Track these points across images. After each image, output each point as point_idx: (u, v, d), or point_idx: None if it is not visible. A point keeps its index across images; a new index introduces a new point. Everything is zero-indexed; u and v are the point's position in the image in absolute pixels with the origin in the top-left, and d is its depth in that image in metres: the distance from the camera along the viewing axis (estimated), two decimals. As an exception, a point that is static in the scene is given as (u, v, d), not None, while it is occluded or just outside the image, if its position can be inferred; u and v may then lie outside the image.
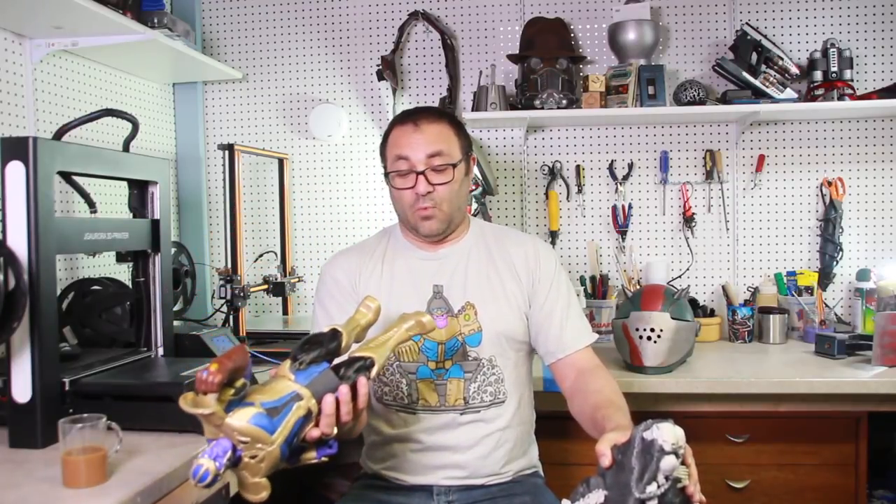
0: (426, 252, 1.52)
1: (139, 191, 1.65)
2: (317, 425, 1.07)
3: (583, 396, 1.38)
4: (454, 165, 1.44)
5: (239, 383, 1.02)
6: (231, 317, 2.15)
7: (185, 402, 0.98)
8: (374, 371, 1.15)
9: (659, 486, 0.95)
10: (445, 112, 1.52)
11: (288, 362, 1.10)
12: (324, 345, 1.12)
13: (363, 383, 1.12)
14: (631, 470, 0.97)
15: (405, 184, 1.44)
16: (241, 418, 0.99)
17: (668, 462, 0.94)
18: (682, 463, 0.99)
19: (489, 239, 1.55)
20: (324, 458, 1.10)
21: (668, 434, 0.94)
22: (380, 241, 1.58)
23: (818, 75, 2.30)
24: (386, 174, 1.48)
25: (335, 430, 1.09)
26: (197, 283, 2.20)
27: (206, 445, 1.00)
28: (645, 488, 0.95)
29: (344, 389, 1.09)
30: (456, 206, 1.47)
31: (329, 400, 1.07)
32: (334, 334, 1.15)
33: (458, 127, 1.50)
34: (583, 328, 1.50)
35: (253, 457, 1.00)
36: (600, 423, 1.21)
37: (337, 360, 1.15)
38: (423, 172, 1.41)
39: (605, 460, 1.01)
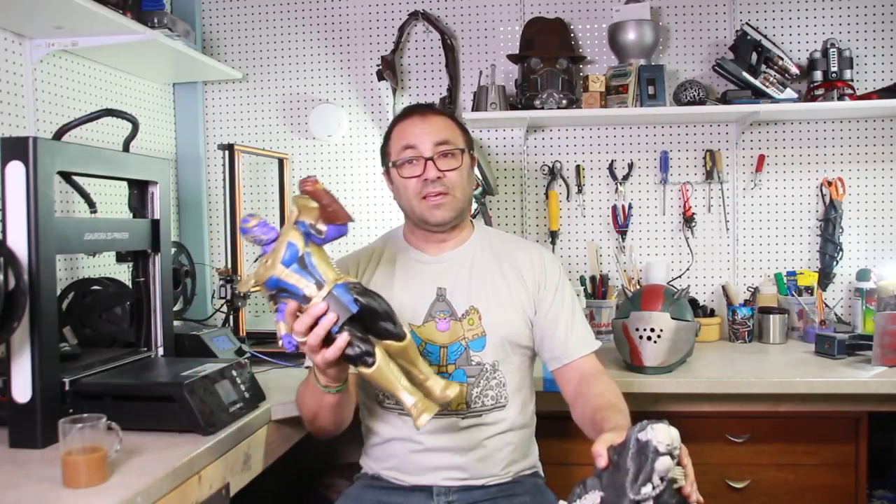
0: (428, 255, 1.52)
1: (139, 191, 1.65)
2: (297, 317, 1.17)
3: (584, 400, 1.38)
4: (462, 150, 1.47)
5: (319, 227, 1.17)
6: (231, 317, 2.15)
7: (294, 203, 1.18)
8: (362, 369, 1.17)
9: (654, 488, 0.95)
10: (446, 111, 1.53)
11: (353, 278, 1.24)
12: (379, 311, 1.18)
13: (344, 337, 1.15)
14: (626, 471, 0.97)
15: (412, 171, 1.45)
16: (291, 236, 1.16)
17: (663, 463, 0.94)
18: (678, 464, 0.99)
19: (495, 243, 1.55)
20: (280, 343, 1.21)
21: (662, 435, 0.94)
22: (381, 245, 1.58)
23: (818, 75, 2.30)
24: (390, 165, 1.49)
25: (301, 335, 1.16)
26: (197, 283, 2.20)
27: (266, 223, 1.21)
28: (640, 489, 0.95)
29: (331, 316, 1.14)
30: (467, 196, 1.50)
31: (320, 306, 1.15)
32: (396, 328, 1.20)
33: (460, 124, 1.53)
34: (587, 335, 1.50)
35: (265, 262, 1.17)
36: (599, 425, 1.21)
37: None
38: (431, 158, 1.43)
39: (602, 461, 1.01)
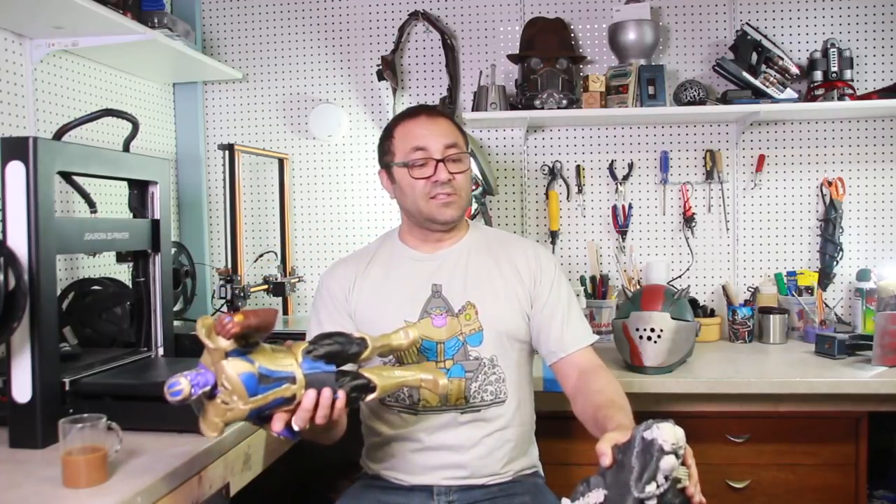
0: (423, 253, 1.53)
1: (139, 191, 1.65)
2: (292, 412, 1.11)
3: (585, 397, 1.38)
4: (466, 154, 1.50)
5: (252, 339, 1.08)
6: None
7: (201, 327, 1.06)
8: (370, 397, 1.17)
9: (658, 486, 0.95)
10: (446, 112, 1.55)
11: (304, 344, 1.14)
12: (344, 347, 1.16)
13: (342, 398, 1.13)
14: (631, 469, 0.97)
15: (423, 173, 1.46)
16: (235, 369, 1.05)
17: (668, 462, 0.94)
18: (683, 464, 0.99)
19: (490, 240, 1.56)
20: (280, 437, 1.14)
21: (668, 434, 0.95)
22: (376, 246, 1.60)
23: (818, 75, 2.29)
24: (396, 164, 1.48)
25: (305, 426, 1.12)
26: (197, 283, 2.20)
27: (193, 369, 1.07)
28: (644, 488, 0.95)
29: (327, 393, 1.11)
30: (470, 196, 1.54)
31: (310, 395, 1.11)
32: (361, 342, 1.18)
33: (459, 125, 1.55)
34: (584, 329, 1.51)
35: (224, 402, 1.06)
36: (602, 423, 1.22)
37: (348, 367, 1.17)
38: (442, 161, 1.45)
39: (606, 460, 1.01)
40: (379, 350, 1.23)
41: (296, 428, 1.13)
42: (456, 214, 1.48)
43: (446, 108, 2.44)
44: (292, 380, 1.09)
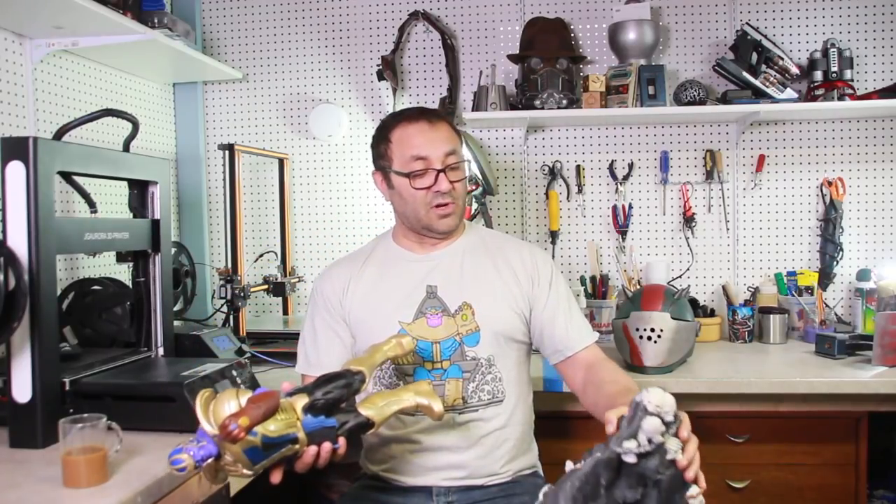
0: (418, 255, 1.53)
1: (139, 191, 1.65)
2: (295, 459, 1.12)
3: (595, 388, 1.39)
4: (463, 161, 1.49)
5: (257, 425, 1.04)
6: (231, 317, 2.15)
7: (201, 406, 1.02)
8: (369, 433, 1.18)
9: (639, 445, 0.98)
10: (444, 113, 1.55)
11: (305, 399, 1.11)
12: (343, 391, 1.14)
13: (342, 445, 1.14)
14: (622, 429, 1.01)
15: (424, 183, 1.44)
16: (239, 445, 1.01)
17: (650, 423, 0.98)
18: (677, 436, 1.01)
19: (486, 241, 1.57)
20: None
21: (653, 396, 0.99)
22: (371, 247, 1.61)
23: (818, 75, 2.29)
24: (395, 173, 1.46)
25: (304, 470, 1.14)
26: (197, 283, 2.20)
27: (194, 437, 1.02)
28: (622, 443, 0.99)
29: (328, 446, 1.11)
30: (463, 206, 1.53)
31: (312, 451, 1.11)
32: (359, 376, 1.17)
33: (458, 130, 1.54)
34: (587, 326, 1.53)
35: (229, 468, 1.05)
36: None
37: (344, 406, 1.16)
38: (443, 171, 1.44)
39: (610, 427, 1.04)
40: (377, 365, 1.24)
41: (300, 471, 1.14)
42: (454, 223, 1.49)
43: (446, 109, 2.44)
44: (295, 440, 1.08)
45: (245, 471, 1.05)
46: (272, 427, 1.05)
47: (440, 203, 1.45)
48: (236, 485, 1.41)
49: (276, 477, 1.12)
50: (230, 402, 1.02)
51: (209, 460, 1.02)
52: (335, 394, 1.13)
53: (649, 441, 0.98)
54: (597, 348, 1.50)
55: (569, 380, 1.50)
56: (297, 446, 1.09)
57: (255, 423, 1.01)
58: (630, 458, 0.99)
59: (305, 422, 1.09)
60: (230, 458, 1.03)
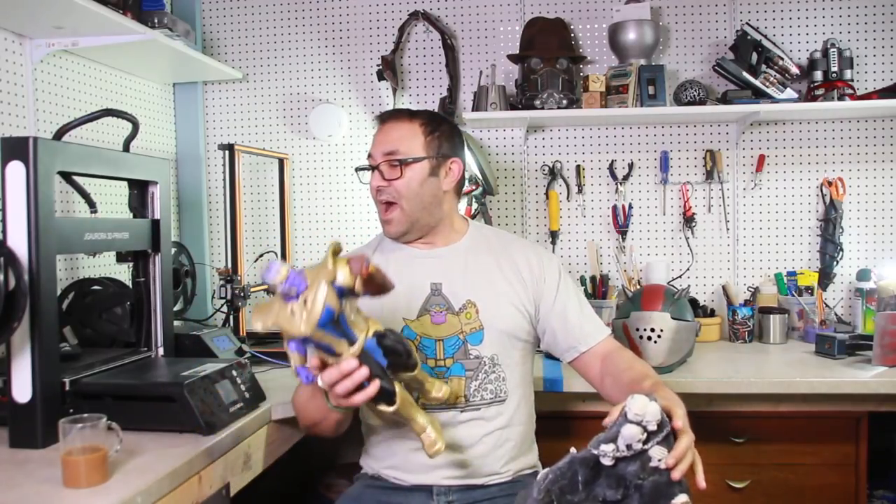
0: (421, 250, 1.53)
1: (139, 191, 1.65)
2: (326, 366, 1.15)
3: (613, 378, 1.41)
4: (405, 162, 1.45)
5: (358, 290, 1.13)
6: (231, 317, 2.15)
7: (331, 248, 1.13)
8: (385, 408, 1.19)
9: (616, 450, 1.00)
10: (422, 114, 1.52)
11: (380, 327, 1.19)
12: (404, 356, 1.20)
13: (370, 389, 1.16)
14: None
15: (366, 179, 1.52)
16: (327, 297, 1.08)
17: (629, 430, 0.99)
18: (664, 444, 1.02)
19: (491, 240, 1.57)
20: (296, 376, 1.18)
21: (636, 405, 1.01)
22: (375, 243, 1.61)
23: (818, 75, 2.30)
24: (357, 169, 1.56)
25: (326, 387, 1.16)
26: (197, 283, 2.20)
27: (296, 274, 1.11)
28: (599, 445, 1.01)
29: (364, 372, 1.14)
30: (419, 206, 1.47)
31: (351, 363, 1.13)
32: (415, 366, 1.22)
33: (433, 129, 1.50)
34: (599, 321, 1.55)
35: (292, 312, 1.08)
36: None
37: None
38: (377, 167, 1.48)
39: (608, 419, 1.06)
40: (414, 382, 1.26)
41: (319, 382, 1.16)
42: (397, 230, 1.49)
43: (446, 109, 2.44)
44: (351, 343, 1.13)
45: (302, 326, 1.07)
46: (352, 316, 1.13)
47: (380, 200, 1.49)
48: (236, 485, 1.41)
49: (312, 360, 1.14)
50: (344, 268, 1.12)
51: (292, 289, 1.07)
52: (402, 349, 1.18)
53: (628, 447, 1.00)
54: (611, 340, 1.52)
55: (586, 375, 1.51)
56: (349, 349, 1.13)
57: (377, 277, 1.13)
58: (606, 461, 1.01)
59: (369, 340, 1.15)
60: (308, 304, 1.07)
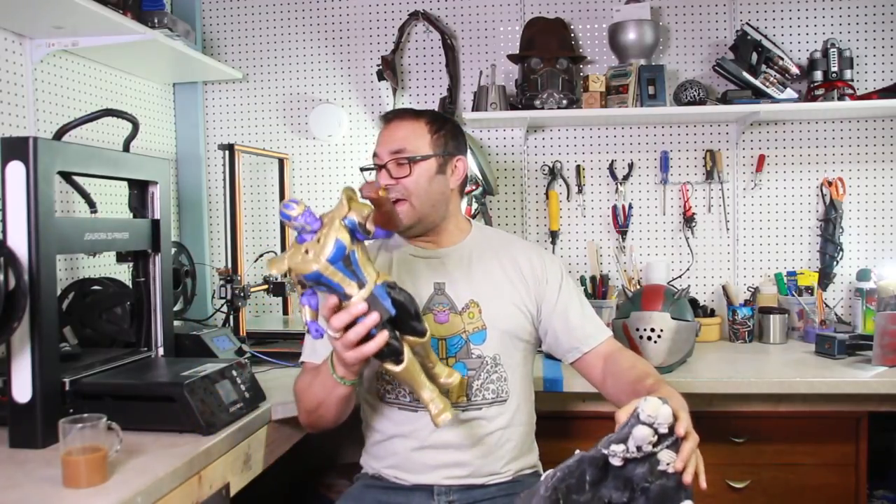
0: (425, 250, 1.53)
1: (139, 191, 1.65)
2: (336, 311, 1.17)
3: (615, 378, 1.41)
4: (413, 160, 1.46)
5: (369, 225, 1.16)
6: (231, 317, 2.15)
7: (346, 189, 1.16)
8: (391, 367, 1.20)
9: (626, 450, 1.00)
10: (427, 113, 1.53)
11: (389, 277, 1.21)
12: (412, 313, 1.20)
13: (379, 338, 1.17)
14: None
15: (372, 178, 1.50)
16: (339, 233, 1.13)
17: (641, 431, 0.99)
18: (673, 448, 1.02)
19: (493, 241, 1.57)
20: (306, 328, 1.21)
21: (649, 406, 1.00)
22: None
23: (818, 75, 2.29)
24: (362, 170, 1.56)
25: (334, 333, 1.17)
26: (197, 283, 2.20)
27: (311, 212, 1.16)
28: (609, 444, 1.01)
29: (374, 317, 1.15)
30: (427, 203, 1.48)
31: (362, 306, 1.15)
32: (424, 330, 1.22)
33: (439, 128, 1.50)
34: (600, 323, 1.55)
35: (305, 252, 1.14)
36: (642, 394, 1.22)
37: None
38: (384, 166, 1.47)
39: (621, 415, 1.06)
40: (423, 351, 1.25)
41: (329, 330, 1.17)
42: (405, 221, 1.47)
43: (446, 109, 2.44)
44: (361, 285, 1.16)
45: (313, 263, 1.11)
46: (363, 259, 1.16)
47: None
48: (236, 485, 1.41)
49: (324, 311, 1.17)
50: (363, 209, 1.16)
51: (308, 226, 1.13)
52: (408, 300, 1.19)
53: (638, 448, 1.00)
54: (613, 340, 1.52)
55: (588, 376, 1.51)
56: (358, 291, 1.15)
57: (386, 203, 1.15)
58: (616, 461, 1.01)
59: (379, 286, 1.17)
60: (320, 241, 1.12)
